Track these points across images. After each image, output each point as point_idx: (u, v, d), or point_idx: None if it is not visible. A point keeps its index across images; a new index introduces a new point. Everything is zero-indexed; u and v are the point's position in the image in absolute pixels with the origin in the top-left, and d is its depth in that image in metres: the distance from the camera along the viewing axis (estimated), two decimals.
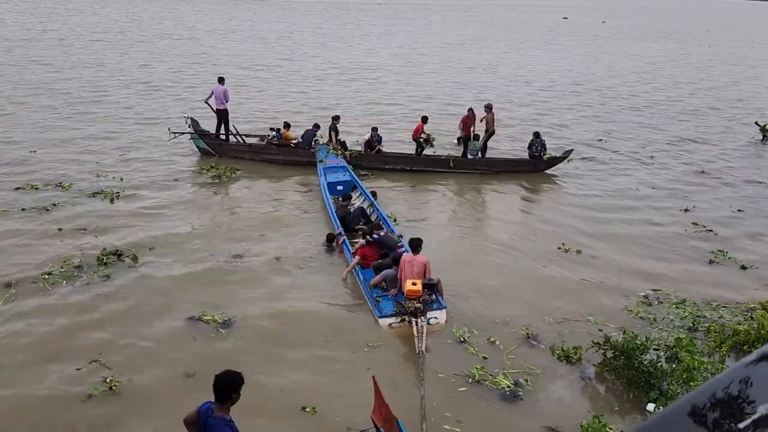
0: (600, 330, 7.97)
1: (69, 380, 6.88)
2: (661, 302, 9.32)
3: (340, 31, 51.28)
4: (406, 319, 8.17)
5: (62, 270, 9.21)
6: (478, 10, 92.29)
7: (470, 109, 15.78)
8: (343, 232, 10.69)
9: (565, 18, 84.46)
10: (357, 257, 9.60)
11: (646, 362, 7.05)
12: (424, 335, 7.77)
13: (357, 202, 12.54)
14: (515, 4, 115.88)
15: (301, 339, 7.92)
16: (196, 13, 60.03)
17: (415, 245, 8.98)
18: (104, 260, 9.50)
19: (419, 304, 8.16)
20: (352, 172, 13.69)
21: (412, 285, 8.31)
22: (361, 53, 38.31)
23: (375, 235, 9.86)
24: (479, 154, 15.71)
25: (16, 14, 50.31)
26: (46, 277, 8.99)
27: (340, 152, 14.61)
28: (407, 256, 8.89)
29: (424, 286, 8.44)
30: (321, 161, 14.10)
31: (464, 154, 15.76)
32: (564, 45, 49.65)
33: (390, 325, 8.27)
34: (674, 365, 7.10)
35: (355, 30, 53.50)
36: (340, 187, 12.73)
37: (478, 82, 29.73)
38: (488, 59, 38.20)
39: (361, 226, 11.20)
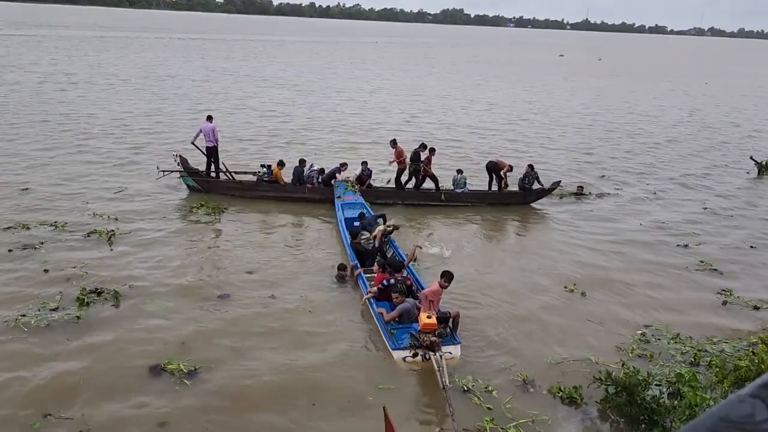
0: (599, 371, 7.60)
1: None
2: (659, 339, 9.04)
3: (360, 72, 51.90)
4: (419, 353, 7.91)
5: (38, 312, 8.86)
6: (476, 48, 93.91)
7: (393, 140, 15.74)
8: (359, 265, 10.67)
9: (561, 56, 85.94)
10: (374, 288, 9.43)
11: (648, 398, 6.77)
12: (445, 368, 7.47)
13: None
14: (508, 41, 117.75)
15: (288, 393, 7.35)
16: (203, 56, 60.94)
17: (442, 274, 8.64)
18: (84, 300, 9.18)
19: (435, 338, 7.89)
20: (369, 209, 13.78)
21: (427, 318, 8.06)
22: (368, 95, 38.65)
23: (392, 280, 9.39)
24: (465, 188, 15.61)
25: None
26: (19, 317, 8.64)
27: (357, 189, 14.93)
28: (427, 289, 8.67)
29: (439, 319, 8.19)
30: (339, 197, 14.50)
31: (398, 183, 15.54)
32: (563, 83, 50.18)
33: (404, 358, 7.98)
34: (676, 402, 6.80)
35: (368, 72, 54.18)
36: (356, 223, 12.76)
37: (479, 118, 29.89)
38: (491, 97, 38.56)
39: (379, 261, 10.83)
